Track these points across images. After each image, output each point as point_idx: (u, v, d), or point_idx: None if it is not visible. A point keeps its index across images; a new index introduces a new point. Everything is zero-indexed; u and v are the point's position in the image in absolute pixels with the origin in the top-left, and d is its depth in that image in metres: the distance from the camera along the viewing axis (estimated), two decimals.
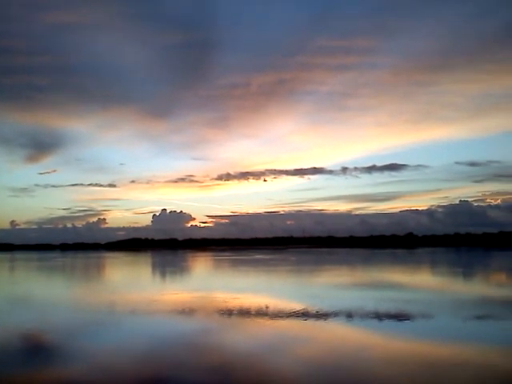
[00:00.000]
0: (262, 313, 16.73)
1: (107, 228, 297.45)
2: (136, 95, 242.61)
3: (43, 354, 11.56)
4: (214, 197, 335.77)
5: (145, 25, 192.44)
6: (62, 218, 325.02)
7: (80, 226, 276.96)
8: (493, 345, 11.53)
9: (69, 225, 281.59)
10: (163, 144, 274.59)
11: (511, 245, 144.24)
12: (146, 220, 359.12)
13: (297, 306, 18.21)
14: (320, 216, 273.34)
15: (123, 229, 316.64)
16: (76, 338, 13.34)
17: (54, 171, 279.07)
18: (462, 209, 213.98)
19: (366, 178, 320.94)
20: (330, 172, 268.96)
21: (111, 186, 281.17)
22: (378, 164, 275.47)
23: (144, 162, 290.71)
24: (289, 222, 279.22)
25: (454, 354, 10.74)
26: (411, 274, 38.28)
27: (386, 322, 14.60)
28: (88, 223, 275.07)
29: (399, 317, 15.43)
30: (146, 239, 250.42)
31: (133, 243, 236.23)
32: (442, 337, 12.55)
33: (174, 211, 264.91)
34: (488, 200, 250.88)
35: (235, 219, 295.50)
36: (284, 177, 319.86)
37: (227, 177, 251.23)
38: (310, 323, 14.57)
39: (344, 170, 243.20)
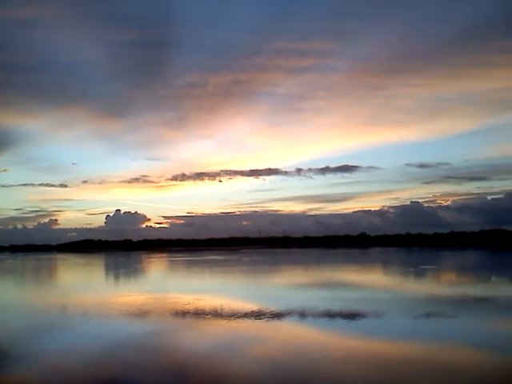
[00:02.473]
0: (216, 314, 16.65)
1: (59, 229, 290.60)
2: (90, 93, 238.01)
3: None
4: (169, 197, 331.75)
5: (100, 22, 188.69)
6: (13, 218, 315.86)
7: (31, 226, 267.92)
8: (442, 341, 11.85)
9: (19, 226, 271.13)
10: (117, 144, 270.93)
11: (461, 244, 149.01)
12: (100, 221, 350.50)
13: (251, 306, 18.24)
14: (275, 216, 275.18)
15: (75, 230, 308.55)
16: (27, 341, 12.92)
17: (5, 170, 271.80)
18: (412, 209, 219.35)
19: (319, 179, 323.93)
20: (285, 173, 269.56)
21: (63, 186, 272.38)
22: (332, 165, 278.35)
23: (97, 161, 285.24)
24: (244, 223, 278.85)
25: (405, 352, 11.00)
26: (364, 273, 39.05)
27: (340, 321, 14.80)
28: (39, 224, 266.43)
29: (352, 316, 15.67)
30: (100, 240, 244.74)
31: (85, 244, 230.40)
32: (394, 335, 12.85)
33: (129, 212, 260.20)
34: (438, 201, 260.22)
35: (190, 220, 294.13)
36: (239, 177, 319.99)
37: (182, 177, 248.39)
38: (265, 323, 14.60)
39: (298, 171, 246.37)
